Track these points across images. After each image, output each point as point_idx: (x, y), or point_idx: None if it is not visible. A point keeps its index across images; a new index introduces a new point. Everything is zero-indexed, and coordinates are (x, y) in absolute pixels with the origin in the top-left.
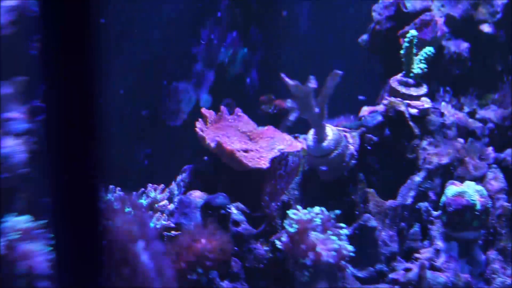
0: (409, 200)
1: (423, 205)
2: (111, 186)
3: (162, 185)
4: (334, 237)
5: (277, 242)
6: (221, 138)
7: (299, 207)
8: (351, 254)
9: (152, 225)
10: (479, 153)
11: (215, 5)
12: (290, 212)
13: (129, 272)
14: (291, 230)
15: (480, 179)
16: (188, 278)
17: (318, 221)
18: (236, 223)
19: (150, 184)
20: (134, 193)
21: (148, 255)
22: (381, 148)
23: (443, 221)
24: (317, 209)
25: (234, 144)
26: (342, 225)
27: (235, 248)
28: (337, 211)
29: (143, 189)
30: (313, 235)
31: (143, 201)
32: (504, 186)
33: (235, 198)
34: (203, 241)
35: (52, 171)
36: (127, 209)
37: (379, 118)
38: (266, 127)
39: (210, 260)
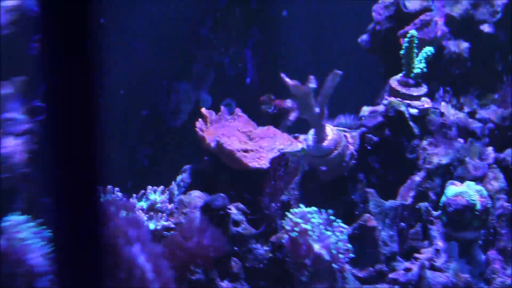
0: (409, 200)
1: (423, 205)
2: (109, 187)
3: (162, 187)
4: (329, 233)
5: (282, 239)
6: (221, 138)
7: (301, 205)
8: (351, 255)
9: (150, 226)
10: (479, 153)
11: (215, 5)
12: (289, 214)
13: (125, 276)
14: (293, 234)
15: (480, 179)
16: (183, 277)
17: (315, 221)
18: (236, 223)
19: (150, 186)
20: (134, 195)
21: (145, 257)
22: (381, 148)
23: (443, 221)
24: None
25: (234, 144)
26: (342, 225)
27: (235, 248)
28: (330, 211)
29: (143, 191)
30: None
31: (144, 204)
32: (504, 186)
33: (235, 198)
34: (194, 239)
35: (52, 171)
36: (120, 212)
37: (379, 118)
38: (266, 127)
39: (202, 258)
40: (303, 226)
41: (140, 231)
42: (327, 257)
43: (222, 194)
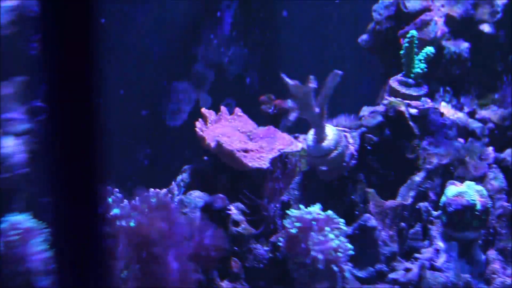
0: (409, 200)
1: (423, 205)
2: (108, 188)
3: (165, 190)
4: (332, 236)
5: (280, 239)
6: (221, 138)
7: (301, 206)
8: (350, 252)
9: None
10: (479, 153)
11: (215, 5)
12: (290, 211)
13: (153, 270)
14: (293, 231)
15: (480, 179)
16: None
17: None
18: (236, 223)
19: (152, 189)
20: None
21: (174, 256)
22: (381, 148)
23: (443, 221)
24: (316, 208)
25: (234, 144)
26: (341, 222)
27: (235, 248)
28: (330, 211)
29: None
30: (312, 235)
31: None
32: (504, 186)
33: (235, 198)
34: (195, 239)
35: (52, 171)
36: (159, 208)
37: (379, 118)
38: (266, 127)
39: (204, 258)
40: (305, 218)
41: (174, 228)
42: (322, 264)
43: (221, 195)
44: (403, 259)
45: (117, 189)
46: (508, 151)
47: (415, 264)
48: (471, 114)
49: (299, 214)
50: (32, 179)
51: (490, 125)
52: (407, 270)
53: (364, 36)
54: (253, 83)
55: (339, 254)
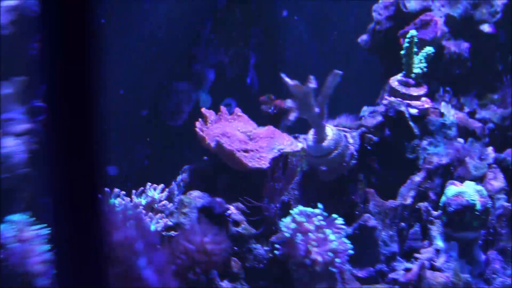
0: (409, 200)
1: (423, 205)
2: (116, 190)
3: (162, 185)
4: (332, 237)
5: (277, 245)
6: (221, 138)
7: (300, 207)
8: (350, 252)
9: (151, 228)
10: (479, 153)
11: (215, 5)
12: (293, 212)
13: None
14: (287, 235)
15: (480, 179)
16: (184, 277)
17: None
18: (236, 223)
19: (149, 184)
20: (134, 191)
21: (151, 270)
22: (381, 148)
23: (443, 221)
24: (316, 210)
25: (234, 144)
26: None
27: (235, 248)
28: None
29: (142, 188)
30: (310, 236)
31: (142, 200)
32: (504, 186)
33: (234, 198)
34: (198, 244)
35: (52, 171)
36: (129, 222)
37: (379, 118)
38: (266, 127)
39: (207, 263)
40: (306, 225)
41: (147, 241)
42: (321, 267)
43: (219, 200)
44: (403, 259)
45: (124, 192)
46: (508, 151)
47: (415, 264)
48: (471, 114)
49: (300, 220)
50: (32, 179)
51: (490, 125)
52: (407, 270)
53: (364, 36)
54: (253, 83)
55: (339, 256)
